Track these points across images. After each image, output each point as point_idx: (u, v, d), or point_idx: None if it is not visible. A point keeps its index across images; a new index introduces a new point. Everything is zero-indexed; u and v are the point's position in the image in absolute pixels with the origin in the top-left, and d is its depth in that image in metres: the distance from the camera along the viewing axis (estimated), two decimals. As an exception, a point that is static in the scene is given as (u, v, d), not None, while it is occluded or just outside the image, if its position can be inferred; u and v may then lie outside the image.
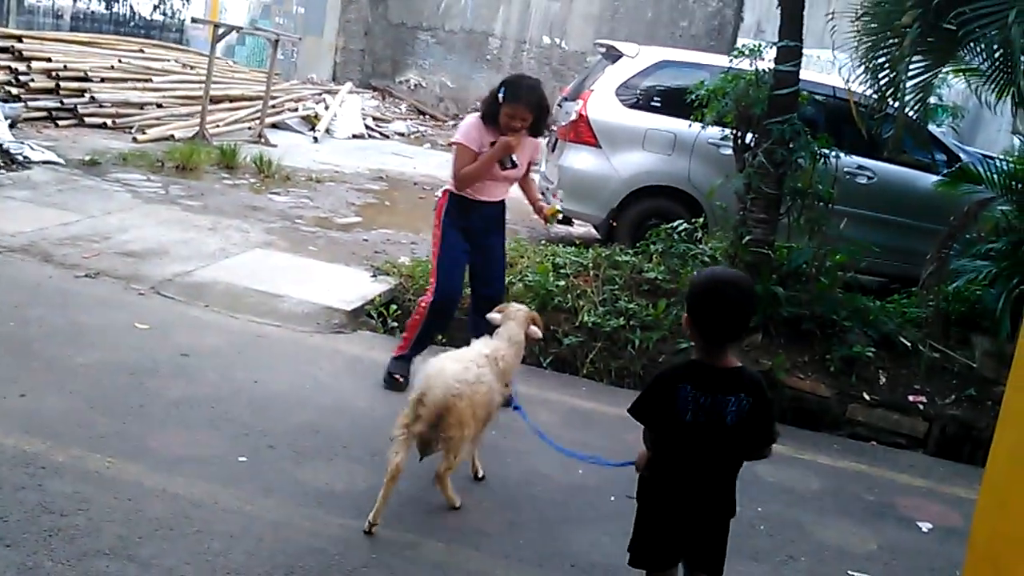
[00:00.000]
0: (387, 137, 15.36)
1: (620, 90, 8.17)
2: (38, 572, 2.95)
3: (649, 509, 2.84)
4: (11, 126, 9.51)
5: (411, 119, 17.35)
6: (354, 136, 14.46)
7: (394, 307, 6.09)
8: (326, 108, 14.70)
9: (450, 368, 3.61)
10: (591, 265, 6.46)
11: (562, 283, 6.16)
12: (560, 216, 5.02)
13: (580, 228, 9.29)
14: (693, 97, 6.72)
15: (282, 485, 3.75)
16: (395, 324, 5.93)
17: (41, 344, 4.74)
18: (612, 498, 4.15)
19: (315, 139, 13.49)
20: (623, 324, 5.87)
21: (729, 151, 6.64)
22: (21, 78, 10.93)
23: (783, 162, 5.92)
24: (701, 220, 6.80)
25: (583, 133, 8.01)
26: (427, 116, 18.05)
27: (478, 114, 4.82)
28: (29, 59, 11.13)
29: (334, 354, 5.33)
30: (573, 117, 8.11)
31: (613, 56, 8.56)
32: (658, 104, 8.13)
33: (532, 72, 18.55)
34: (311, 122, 14.21)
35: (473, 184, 4.78)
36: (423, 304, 4.95)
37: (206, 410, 4.32)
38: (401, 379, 4.90)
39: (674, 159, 7.89)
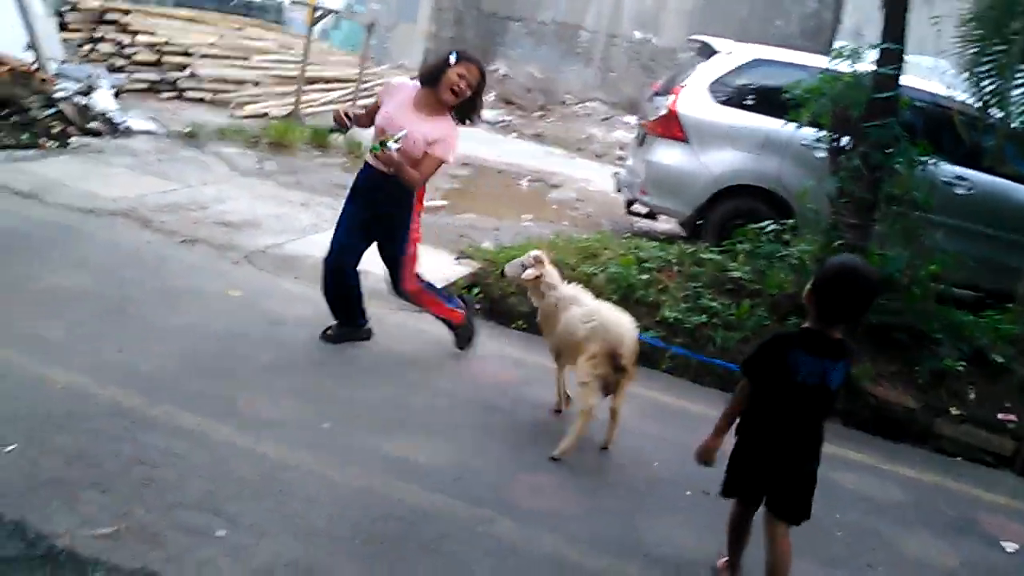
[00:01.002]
0: (473, 125, 15.44)
1: (713, 86, 8.06)
2: (130, 519, 3.07)
3: (746, 448, 3.27)
4: (115, 96, 9.85)
5: (498, 108, 17.41)
6: (441, 122, 14.57)
7: (476, 290, 6.14)
8: (415, 93, 14.85)
9: (624, 318, 4.26)
10: (675, 261, 6.42)
11: (645, 277, 6.13)
12: (390, 144, 4.44)
13: (664, 223, 9.23)
14: (788, 96, 6.59)
15: (364, 454, 3.83)
16: (477, 306, 5.98)
17: (138, 305, 4.91)
18: (688, 492, 4.13)
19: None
20: (705, 322, 5.83)
21: (823, 153, 6.51)
22: (126, 51, 11.32)
23: (879, 167, 5.78)
24: (791, 222, 6.68)
25: (673, 128, 7.94)
26: (514, 106, 18.09)
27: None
28: (134, 32, 11.51)
29: (416, 332, 5.41)
30: (663, 112, 8.03)
31: (707, 52, 8.45)
32: (751, 102, 7.99)
33: (622, 67, 18.50)
34: (400, 107, 14.37)
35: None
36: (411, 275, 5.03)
37: (293, 377, 4.43)
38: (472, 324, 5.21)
39: (765, 158, 7.76)
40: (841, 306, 3.07)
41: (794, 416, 3.18)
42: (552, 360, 4.61)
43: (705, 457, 3.34)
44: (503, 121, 16.48)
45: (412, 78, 4.75)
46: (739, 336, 5.74)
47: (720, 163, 7.86)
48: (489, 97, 17.95)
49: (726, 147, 7.87)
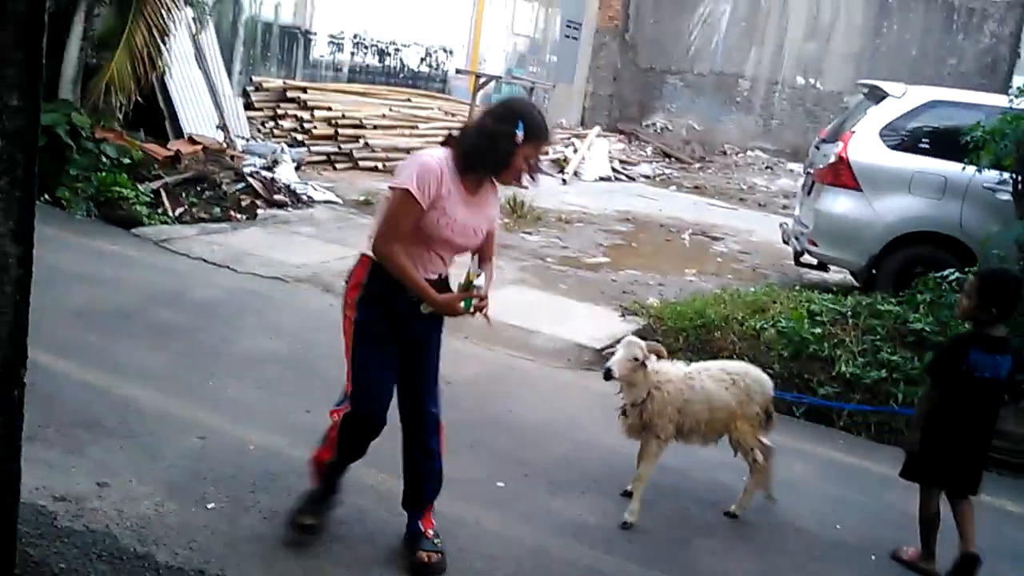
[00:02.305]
0: (633, 179, 15.53)
1: (884, 131, 7.82)
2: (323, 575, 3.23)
3: (934, 439, 3.82)
4: (296, 169, 10.55)
5: (656, 162, 17.44)
6: (601, 178, 14.76)
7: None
8: (574, 151, 15.12)
9: (756, 369, 4.27)
10: (850, 313, 6.20)
11: (818, 331, 5.95)
12: (477, 290, 3.22)
13: (836, 274, 8.93)
14: (968, 139, 6.32)
15: (538, 513, 3.88)
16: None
17: (323, 365, 5.19)
18: (873, 557, 3.96)
19: (564, 181, 13.90)
20: (884, 376, 5.59)
21: (1007, 196, 6.18)
22: (305, 125, 12.13)
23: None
24: (974, 269, 6.33)
25: (843, 176, 7.72)
26: (672, 159, 18.07)
27: (444, 152, 3.24)
28: (312, 108, 12.33)
29: (584, 390, 5.45)
30: (832, 159, 7.84)
31: (877, 96, 8.22)
32: (926, 146, 7.70)
33: (785, 114, 18.15)
34: (560, 165, 14.66)
35: (389, 265, 3.16)
36: (333, 428, 3.44)
37: (466, 435, 4.55)
38: (312, 524, 3.41)
39: (944, 204, 7.42)
40: (1007, 306, 3.76)
41: (975, 408, 3.80)
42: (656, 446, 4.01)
43: (908, 448, 3.97)
44: (661, 174, 16.47)
45: (442, 142, 3.32)
46: (923, 391, 5.45)
47: (895, 210, 7.57)
48: (647, 151, 18.02)
49: (901, 193, 7.57)
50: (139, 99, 9.06)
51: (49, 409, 3.93)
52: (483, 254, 3.44)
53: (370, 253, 3.21)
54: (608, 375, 3.85)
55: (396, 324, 3.25)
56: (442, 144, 3.30)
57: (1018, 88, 6.11)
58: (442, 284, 3.32)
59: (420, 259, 3.22)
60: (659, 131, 19.03)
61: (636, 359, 3.84)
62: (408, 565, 3.34)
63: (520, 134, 3.18)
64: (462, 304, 3.19)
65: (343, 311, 3.30)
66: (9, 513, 2.40)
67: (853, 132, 7.93)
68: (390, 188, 3.17)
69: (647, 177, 15.95)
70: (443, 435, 3.52)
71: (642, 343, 3.94)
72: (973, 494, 3.86)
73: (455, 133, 3.32)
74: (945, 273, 6.32)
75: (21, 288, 2.27)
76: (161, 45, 9.08)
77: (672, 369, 4.05)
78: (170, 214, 8.21)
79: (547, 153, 3.69)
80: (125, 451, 3.86)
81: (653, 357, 3.90)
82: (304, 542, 3.37)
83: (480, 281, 3.21)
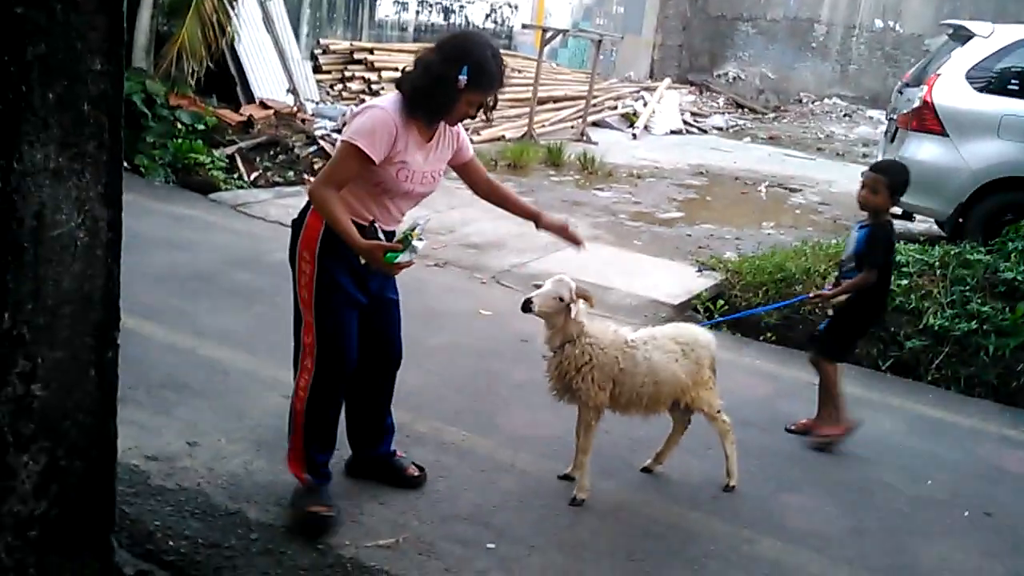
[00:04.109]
0: (705, 132, 15.21)
1: (971, 73, 7.48)
2: (407, 530, 3.25)
3: (862, 318, 4.37)
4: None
5: (729, 113, 17.05)
6: (672, 132, 14.48)
7: (721, 302, 6.03)
8: (644, 105, 14.86)
9: (689, 327, 3.93)
10: (937, 264, 5.98)
11: (904, 282, 5.77)
12: (414, 243, 2.97)
13: (921, 224, 8.63)
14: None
15: (619, 469, 3.86)
16: (720, 319, 5.87)
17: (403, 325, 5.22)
18: (966, 513, 3.85)
19: (634, 136, 13.68)
20: (975, 328, 5.39)
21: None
22: (373, 87, 12.13)
23: None
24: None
25: (928, 121, 7.43)
26: (746, 109, 17.64)
27: (395, 99, 3.03)
28: (379, 69, 12.32)
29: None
30: (916, 104, 7.54)
31: (962, 37, 7.85)
32: (1016, 88, 7.34)
33: (863, 59, 17.54)
34: (630, 119, 14.43)
35: (319, 209, 3.00)
36: (302, 388, 3.21)
37: (544, 394, 4.53)
38: (327, 513, 3.21)
39: (1036, 148, 7.09)
40: (903, 192, 4.27)
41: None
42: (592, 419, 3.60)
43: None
44: (735, 126, 16.10)
45: (396, 82, 3.11)
46: (1015, 342, 5.27)
47: (984, 156, 7.26)
48: (719, 102, 17.62)
49: (990, 137, 7.26)
50: (210, 65, 9.18)
51: (138, 371, 4.03)
52: (479, 186, 3.40)
53: None
54: (527, 306, 3.39)
55: (357, 275, 3.12)
56: (396, 85, 3.07)
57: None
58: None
59: (382, 213, 3.10)
60: (731, 81, 18.57)
61: (561, 299, 3.40)
62: (399, 480, 3.50)
63: (464, 79, 2.93)
64: (385, 255, 2.93)
65: (297, 263, 3.11)
66: (108, 470, 2.47)
67: (938, 75, 7.60)
68: (341, 141, 2.99)
69: (720, 129, 15.60)
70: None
71: (572, 284, 3.42)
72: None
73: (407, 69, 3.06)
74: (1039, 220, 6.07)
75: (112, 251, 2.30)
76: (230, 10, 9.16)
77: (607, 334, 3.55)
78: (245, 178, 8.33)
79: (496, 98, 3.15)
80: (213, 411, 3.95)
81: (580, 302, 3.44)
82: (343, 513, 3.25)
83: (420, 243, 2.98)
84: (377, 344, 3.33)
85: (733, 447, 3.79)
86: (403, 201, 3.17)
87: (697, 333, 3.78)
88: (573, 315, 3.42)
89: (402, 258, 2.95)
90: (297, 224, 3.13)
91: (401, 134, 2.98)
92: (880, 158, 8.42)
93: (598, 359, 3.48)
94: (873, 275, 4.17)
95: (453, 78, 2.92)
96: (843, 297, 4.31)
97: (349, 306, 3.15)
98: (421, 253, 3.04)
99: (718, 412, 3.75)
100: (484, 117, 3.21)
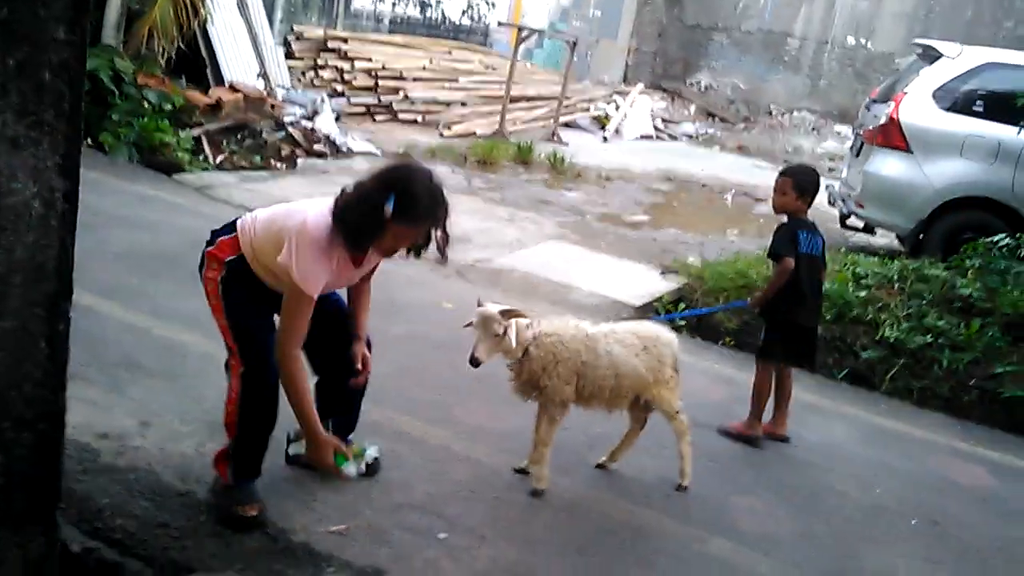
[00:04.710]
0: (675, 139, 15.31)
1: (937, 93, 7.62)
2: (359, 518, 3.23)
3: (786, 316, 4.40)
4: (336, 119, 10.51)
5: (700, 121, 17.16)
6: (642, 137, 14.56)
7: (682, 305, 6.07)
8: (616, 109, 14.93)
9: (650, 325, 3.97)
10: (896, 277, 6.09)
11: (862, 294, 5.86)
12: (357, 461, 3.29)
13: (882, 238, 8.76)
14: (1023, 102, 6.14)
15: (574, 465, 3.87)
16: (682, 323, 5.91)
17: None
18: (913, 521, 3.92)
19: (605, 139, 13.74)
20: (930, 342, 5.49)
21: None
22: (345, 76, 12.07)
23: None
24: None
25: (893, 137, 7.55)
26: (716, 118, 17.76)
27: (323, 228, 2.86)
28: (353, 59, 12.25)
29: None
30: (883, 120, 7.66)
31: (931, 57, 7.99)
32: (980, 109, 7.49)
33: (833, 74, 17.72)
34: (601, 122, 14.49)
35: (286, 379, 2.98)
36: (233, 397, 3.12)
37: (503, 387, 4.53)
38: (250, 513, 3.08)
39: (997, 168, 7.23)
40: (814, 194, 4.40)
41: (813, 281, 4.41)
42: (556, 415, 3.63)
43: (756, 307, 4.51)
44: (704, 134, 16.22)
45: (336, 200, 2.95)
46: (969, 357, 5.36)
47: (946, 174, 7.39)
48: (690, 110, 17.74)
49: (953, 156, 7.39)
50: (181, 46, 9.06)
51: (93, 349, 3.97)
52: (358, 290, 3.31)
53: (246, 232, 3.01)
54: (475, 363, 3.40)
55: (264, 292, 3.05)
56: (333, 206, 2.90)
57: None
58: None
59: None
60: (703, 90, 18.70)
61: (496, 334, 3.41)
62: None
63: (389, 208, 2.77)
64: (335, 457, 3.01)
65: (204, 272, 3.08)
66: (56, 444, 2.42)
67: (905, 92, 7.74)
68: (294, 286, 2.85)
69: (690, 136, 15.72)
70: None
71: (495, 313, 3.42)
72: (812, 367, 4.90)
73: (347, 188, 2.92)
74: (996, 239, 6.18)
75: (67, 223, 2.26)
76: (204, -9, 9.05)
77: (568, 328, 3.61)
78: (211, 161, 8.24)
79: (429, 238, 3.08)
80: (168, 392, 3.90)
81: (512, 323, 3.44)
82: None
83: (372, 452, 3.43)
84: (331, 324, 3.24)
85: (688, 448, 3.81)
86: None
87: (659, 330, 3.82)
88: (513, 337, 3.42)
89: (347, 467, 3.10)
90: (205, 253, 3.10)
91: (336, 264, 2.92)
92: (845, 173, 8.56)
93: (561, 355, 3.52)
94: (782, 272, 4.27)
95: (380, 206, 2.78)
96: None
97: (261, 312, 3.09)
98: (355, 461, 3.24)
99: (677, 412, 3.77)
100: (415, 255, 3.10)
